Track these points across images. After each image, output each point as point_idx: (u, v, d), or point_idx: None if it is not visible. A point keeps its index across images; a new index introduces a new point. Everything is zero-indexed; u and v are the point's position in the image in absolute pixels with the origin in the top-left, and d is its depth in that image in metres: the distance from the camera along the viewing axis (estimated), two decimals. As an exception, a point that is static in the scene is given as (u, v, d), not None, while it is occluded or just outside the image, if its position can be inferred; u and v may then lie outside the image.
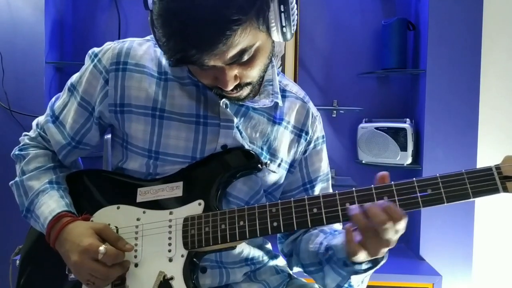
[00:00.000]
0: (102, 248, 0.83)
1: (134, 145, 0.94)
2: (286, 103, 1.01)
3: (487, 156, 1.99)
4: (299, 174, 1.03)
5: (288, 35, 0.81)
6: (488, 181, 0.74)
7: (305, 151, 1.03)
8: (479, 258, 2.04)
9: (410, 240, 2.04)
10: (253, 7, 0.74)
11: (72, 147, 0.99)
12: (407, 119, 1.98)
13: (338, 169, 2.13)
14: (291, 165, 1.01)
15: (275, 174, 0.98)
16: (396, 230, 0.76)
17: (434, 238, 1.91)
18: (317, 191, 1.04)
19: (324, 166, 1.05)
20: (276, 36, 0.81)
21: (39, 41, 1.97)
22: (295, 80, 2.08)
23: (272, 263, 1.04)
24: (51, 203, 0.92)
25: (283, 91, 1.02)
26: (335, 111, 2.12)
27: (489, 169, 0.75)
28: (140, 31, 1.87)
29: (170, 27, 0.74)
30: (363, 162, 2.05)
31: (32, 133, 1.03)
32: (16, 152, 1.01)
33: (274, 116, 0.98)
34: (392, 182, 0.79)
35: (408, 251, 2.02)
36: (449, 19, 1.89)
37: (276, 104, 0.97)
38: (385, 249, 0.80)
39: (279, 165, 0.98)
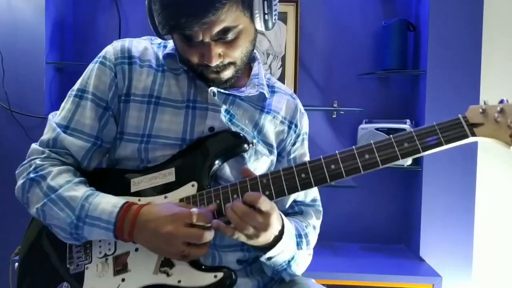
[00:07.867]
0: (194, 209, 0.84)
1: (128, 133, 0.97)
2: (275, 97, 1.08)
3: (487, 156, 1.99)
4: (287, 164, 1.07)
5: (270, 24, 0.92)
6: (457, 129, 0.83)
7: (294, 143, 1.09)
8: (479, 259, 2.04)
9: (410, 241, 2.04)
10: None
11: (97, 147, 0.99)
12: (407, 120, 1.98)
13: (338, 170, 2.13)
14: (279, 154, 1.07)
15: (267, 158, 1.03)
16: (264, 214, 0.84)
17: (434, 239, 1.91)
18: None
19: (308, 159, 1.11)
20: (259, 23, 0.91)
21: (39, 41, 1.97)
22: (295, 80, 2.08)
23: None
24: (109, 199, 0.89)
25: (272, 87, 1.10)
26: (335, 112, 2.11)
27: (457, 119, 0.84)
28: (141, 31, 1.86)
29: None
30: (363, 162, 2.04)
31: (40, 155, 0.96)
32: (31, 176, 0.92)
33: (262, 106, 1.04)
34: (372, 141, 0.85)
35: (408, 252, 2.02)
36: (449, 20, 1.89)
37: (263, 94, 1.03)
38: (267, 233, 0.86)
39: (270, 151, 1.03)
